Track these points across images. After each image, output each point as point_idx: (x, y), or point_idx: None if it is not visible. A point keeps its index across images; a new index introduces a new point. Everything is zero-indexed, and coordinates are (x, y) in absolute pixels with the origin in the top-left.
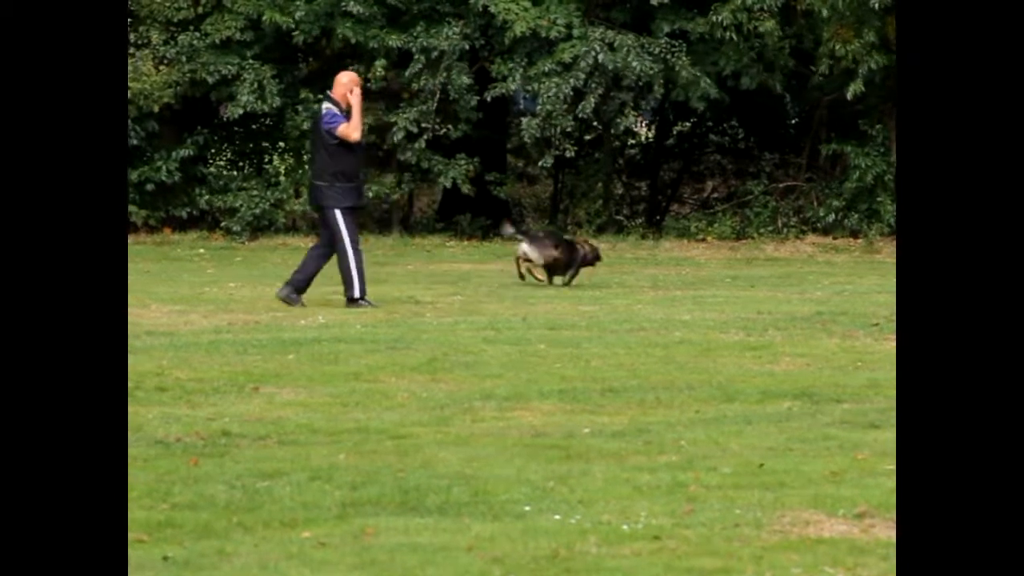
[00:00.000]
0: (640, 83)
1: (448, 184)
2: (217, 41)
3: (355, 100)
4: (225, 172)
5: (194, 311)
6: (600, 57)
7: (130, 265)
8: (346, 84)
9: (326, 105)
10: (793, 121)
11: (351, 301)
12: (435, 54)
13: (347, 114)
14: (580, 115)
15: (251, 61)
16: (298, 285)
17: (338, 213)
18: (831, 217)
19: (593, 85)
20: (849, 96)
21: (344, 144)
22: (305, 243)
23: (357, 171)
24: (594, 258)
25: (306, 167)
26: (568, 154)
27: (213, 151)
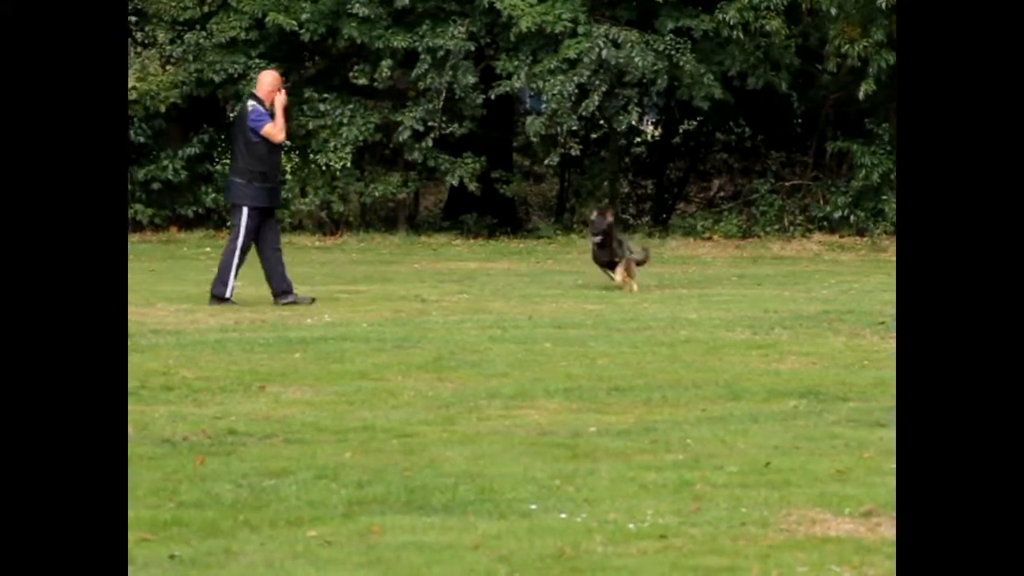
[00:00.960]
0: (644, 80)
1: (455, 182)
2: (223, 40)
3: (279, 102)
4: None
5: (200, 310)
6: (604, 53)
7: (136, 264)
8: (271, 83)
9: (251, 103)
10: (799, 119)
11: (218, 299)
12: (441, 53)
13: (272, 114)
14: (584, 113)
15: (257, 60)
16: (282, 288)
17: (245, 211)
18: (837, 215)
19: (597, 82)
20: (860, 96)
21: (266, 143)
22: (311, 241)
23: (276, 172)
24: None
25: (312, 166)
26: (574, 152)
27: (219, 150)
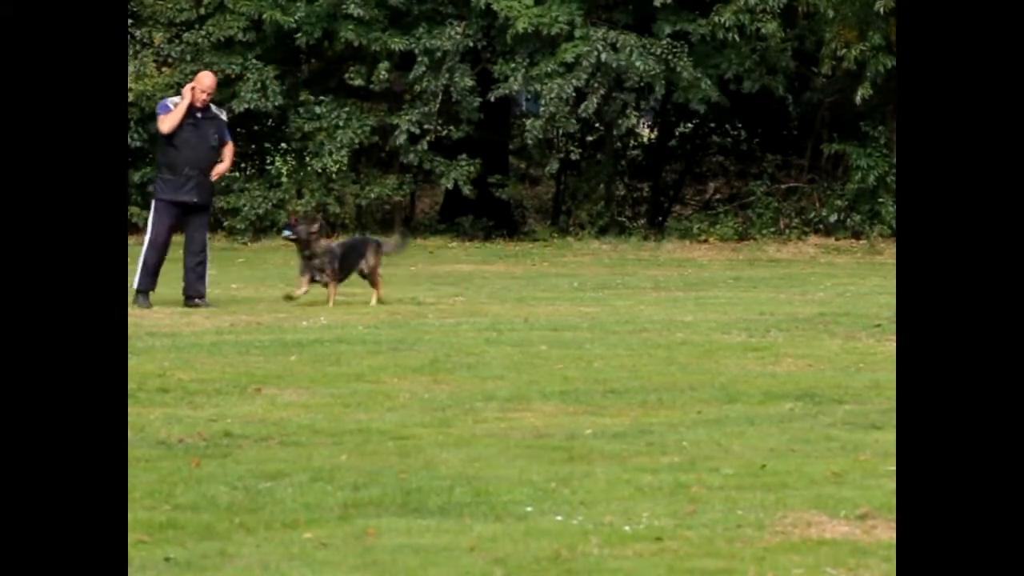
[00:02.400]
0: (642, 84)
1: (450, 185)
2: (220, 40)
3: (186, 95)
4: (227, 173)
5: (196, 312)
6: (603, 57)
7: (132, 266)
8: (199, 82)
9: (170, 98)
10: (795, 122)
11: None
12: (437, 55)
13: (195, 109)
14: (582, 115)
15: (254, 61)
16: (189, 293)
17: (153, 203)
18: (833, 218)
19: (595, 85)
20: (857, 100)
21: (166, 136)
22: None
23: (184, 165)
24: None
25: (307, 168)
26: (572, 157)
27: None
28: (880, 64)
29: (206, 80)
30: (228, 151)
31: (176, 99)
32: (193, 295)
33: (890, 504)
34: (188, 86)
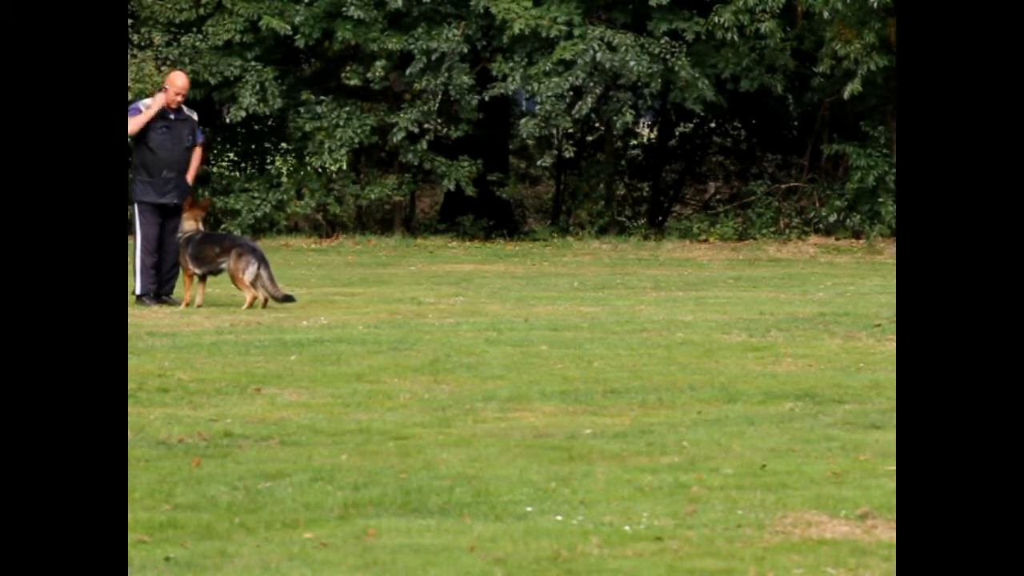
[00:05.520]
0: (638, 83)
1: (451, 187)
2: (219, 43)
3: (158, 99)
4: (227, 173)
5: (196, 312)
6: (599, 56)
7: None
8: (172, 84)
9: (142, 100)
10: (795, 122)
11: (136, 297)
12: (436, 55)
13: (168, 110)
14: (576, 115)
15: (253, 63)
16: (155, 291)
17: (135, 207)
18: (833, 218)
19: (591, 84)
20: (846, 96)
21: (139, 139)
22: (307, 244)
23: (160, 168)
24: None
25: (308, 168)
26: (567, 154)
27: (215, 152)
28: (873, 62)
29: (179, 81)
30: (197, 154)
31: (148, 101)
32: (163, 293)
33: (890, 504)
34: (174, 92)
